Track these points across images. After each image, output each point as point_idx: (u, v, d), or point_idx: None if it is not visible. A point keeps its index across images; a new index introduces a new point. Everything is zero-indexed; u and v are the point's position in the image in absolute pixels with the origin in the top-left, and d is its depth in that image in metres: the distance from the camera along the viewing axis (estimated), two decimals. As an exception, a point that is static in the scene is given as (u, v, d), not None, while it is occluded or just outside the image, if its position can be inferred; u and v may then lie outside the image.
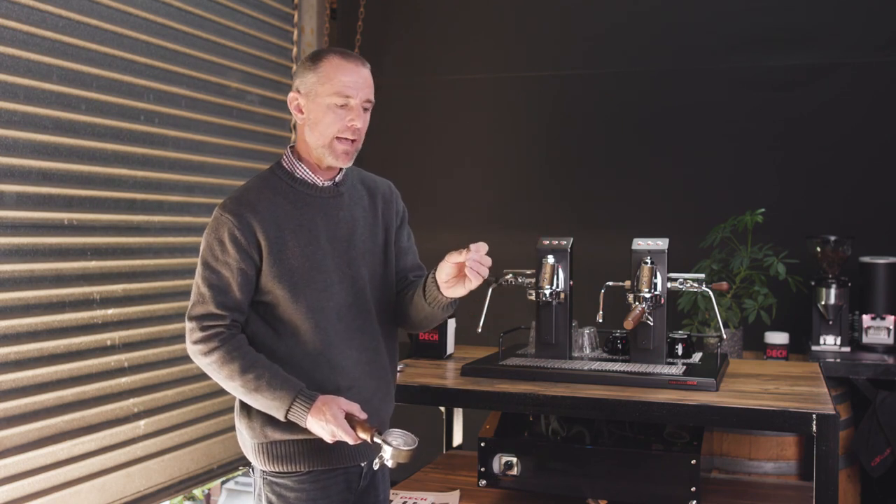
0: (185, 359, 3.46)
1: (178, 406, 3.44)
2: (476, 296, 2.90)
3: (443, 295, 2.03)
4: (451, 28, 4.53)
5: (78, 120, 2.97)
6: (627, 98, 4.24)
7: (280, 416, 1.95)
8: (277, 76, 4.13)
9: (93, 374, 3.03)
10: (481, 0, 4.49)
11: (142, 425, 3.25)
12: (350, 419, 1.93)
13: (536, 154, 4.41)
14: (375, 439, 1.90)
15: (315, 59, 2.04)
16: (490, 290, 2.79)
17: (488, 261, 1.95)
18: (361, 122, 2.02)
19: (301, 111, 2.05)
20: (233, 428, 3.76)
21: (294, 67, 4.26)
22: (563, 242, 2.71)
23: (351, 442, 1.92)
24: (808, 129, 3.97)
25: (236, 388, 1.97)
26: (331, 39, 4.47)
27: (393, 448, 1.89)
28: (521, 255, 3.05)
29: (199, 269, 2.00)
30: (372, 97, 2.05)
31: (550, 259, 2.68)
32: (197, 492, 4.92)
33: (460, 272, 1.98)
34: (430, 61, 4.55)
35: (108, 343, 3.11)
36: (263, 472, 2.06)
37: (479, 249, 1.93)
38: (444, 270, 1.99)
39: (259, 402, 1.96)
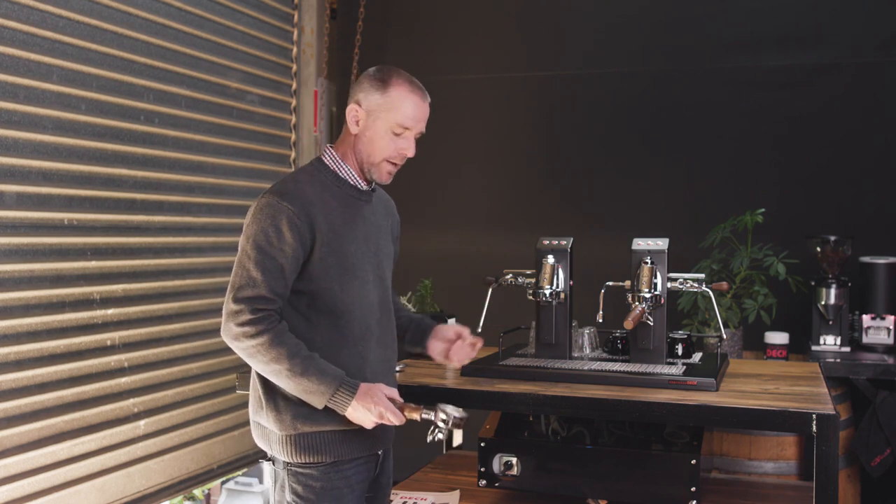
0: (186, 359, 3.47)
1: (178, 406, 3.44)
2: (476, 296, 2.91)
3: (426, 351, 2.36)
4: (451, 28, 4.53)
5: (78, 120, 2.97)
6: (627, 98, 4.24)
7: (320, 403, 2.00)
8: (277, 76, 4.13)
9: (93, 374, 3.03)
10: (481, 0, 4.49)
11: (142, 425, 3.25)
12: (393, 402, 2.02)
13: (536, 154, 4.41)
14: (424, 415, 1.99)
15: (384, 80, 2.10)
16: (490, 290, 2.79)
17: (475, 352, 2.32)
18: (412, 152, 2.13)
19: (358, 124, 2.12)
20: (233, 428, 3.76)
21: (294, 67, 4.26)
22: (563, 242, 2.71)
23: (397, 423, 2.02)
24: (808, 129, 3.97)
25: (279, 371, 1.99)
26: (331, 39, 4.47)
27: (449, 415, 1.97)
28: (521, 255, 3.05)
29: (249, 253, 2.01)
30: (424, 129, 2.15)
31: (550, 259, 2.69)
32: (197, 492, 4.92)
33: (449, 344, 2.32)
34: (430, 61, 4.54)
35: (108, 343, 3.11)
36: (288, 463, 2.11)
37: (472, 345, 2.30)
38: (439, 342, 2.34)
39: (302, 386, 1.99)
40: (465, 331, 2.30)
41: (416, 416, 1.99)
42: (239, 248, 2.06)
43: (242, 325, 1.98)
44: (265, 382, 2.10)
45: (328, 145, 2.19)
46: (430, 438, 2.03)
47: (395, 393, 2.06)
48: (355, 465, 2.14)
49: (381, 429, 2.12)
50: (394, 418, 2.00)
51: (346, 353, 2.09)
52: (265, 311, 1.99)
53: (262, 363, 2.01)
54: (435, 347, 2.33)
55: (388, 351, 2.22)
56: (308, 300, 2.07)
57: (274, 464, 2.17)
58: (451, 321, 3.05)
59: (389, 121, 2.08)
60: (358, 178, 2.16)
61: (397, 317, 2.36)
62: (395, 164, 2.14)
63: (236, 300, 2.00)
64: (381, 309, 2.19)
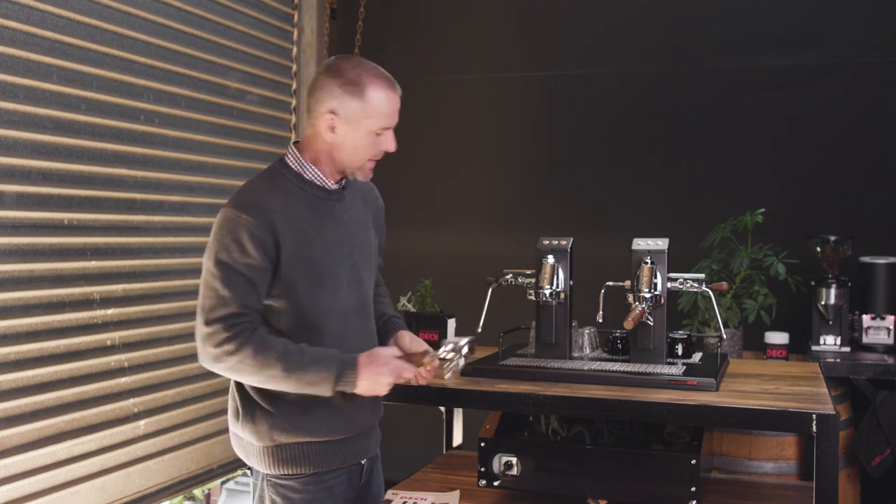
0: (185, 359, 3.46)
1: (178, 406, 3.43)
2: (476, 296, 2.91)
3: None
4: (451, 28, 4.53)
5: (78, 120, 2.97)
6: (627, 98, 4.24)
7: (328, 391, 1.95)
8: (277, 76, 4.13)
9: (93, 374, 3.03)
10: (481, 0, 4.49)
11: (142, 425, 3.25)
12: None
13: (536, 154, 4.41)
14: (441, 355, 2.04)
15: (357, 82, 1.99)
16: (490, 290, 2.79)
17: (431, 374, 2.11)
18: (395, 147, 2.09)
19: (334, 131, 2.02)
20: (233, 428, 3.75)
21: (294, 67, 4.25)
22: (563, 242, 2.71)
23: (411, 376, 2.02)
24: (808, 130, 3.97)
25: (274, 376, 1.92)
26: (331, 39, 4.47)
27: (457, 344, 2.04)
28: (521, 255, 3.05)
29: (213, 272, 1.95)
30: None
31: (550, 259, 2.69)
32: (197, 492, 4.92)
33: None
34: (430, 61, 4.54)
35: (108, 343, 3.11)
36: (267, 475, 2.06)
37: (433, 369, 2.09)
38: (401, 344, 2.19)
39: (303, 381, 1.93)
40: (426, 356, 2.10)
41: (427, 361, 2.03)
42: (203, 269, 1.97)
43: (220, 344, 1.91)
44: (243, 393, 2.03)
45: (292, 144, 2.09)
46: (447, 375, 2.07)
47: (394, 351, 2.05)
48: (337, 475, 2.08)
49: (363, 439, 2.09)
50: (408, 373, 2.01)
51: None
52: (240, 324, 1.92)
53: (254, 374, 1.93)
54: (401, 341, 2.22)
55: None
56: (277, 313, 2.00)
57: (252, 475, 2.13)
58: (451, 321, 3.05)
59: (372, 126, 2.01)
60: (325, 179, 2.07)
61: (374, 309, 2.26)
62: (376, 160, 2.10)
63: (208, 322, 1.92)
64: (359, 315, 2.11)
